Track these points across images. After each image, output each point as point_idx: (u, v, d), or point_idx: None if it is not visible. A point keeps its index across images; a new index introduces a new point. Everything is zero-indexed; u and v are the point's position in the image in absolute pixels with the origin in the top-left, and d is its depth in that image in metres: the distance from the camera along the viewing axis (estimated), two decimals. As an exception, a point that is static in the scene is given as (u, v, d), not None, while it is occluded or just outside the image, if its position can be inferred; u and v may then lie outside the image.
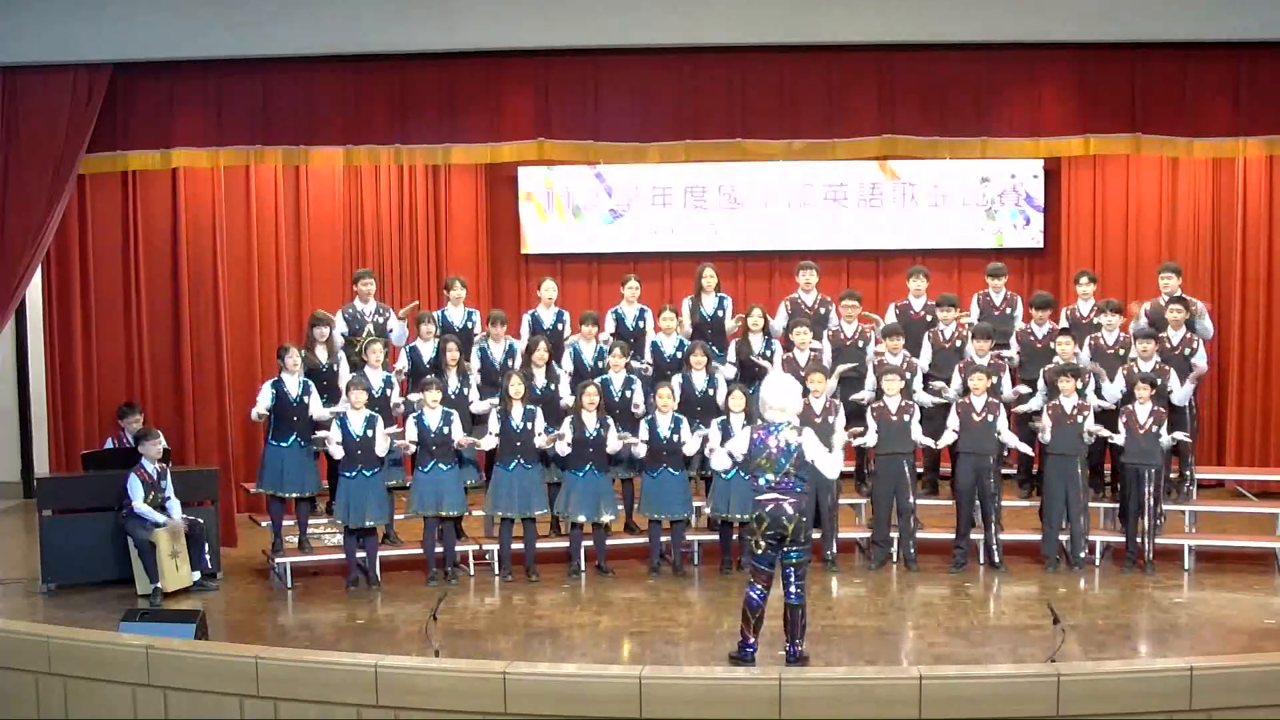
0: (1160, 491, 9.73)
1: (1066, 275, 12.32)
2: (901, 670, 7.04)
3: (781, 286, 12.88)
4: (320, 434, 9.88)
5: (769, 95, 10.44)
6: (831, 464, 7.90)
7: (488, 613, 9.13)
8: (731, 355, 10.53)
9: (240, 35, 10.11)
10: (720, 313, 10.83)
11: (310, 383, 10.00)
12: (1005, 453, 10.08)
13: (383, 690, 6.52)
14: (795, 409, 7.80)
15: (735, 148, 10.56)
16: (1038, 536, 9.92)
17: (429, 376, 9.98)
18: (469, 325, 10.87)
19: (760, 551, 7.59)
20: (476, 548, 10.06)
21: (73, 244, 11.02)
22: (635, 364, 10.37)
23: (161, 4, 10.13)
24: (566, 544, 9.96)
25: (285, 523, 10.09)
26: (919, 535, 10.00)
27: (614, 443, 9.74)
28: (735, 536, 9.73)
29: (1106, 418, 9.87)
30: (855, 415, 10.01)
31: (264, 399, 9.85)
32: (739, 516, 9.45)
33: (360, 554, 9.65)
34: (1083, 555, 9.73)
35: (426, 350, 10.47)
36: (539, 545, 9.94)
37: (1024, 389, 10.22)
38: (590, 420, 9.71)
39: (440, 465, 9.66)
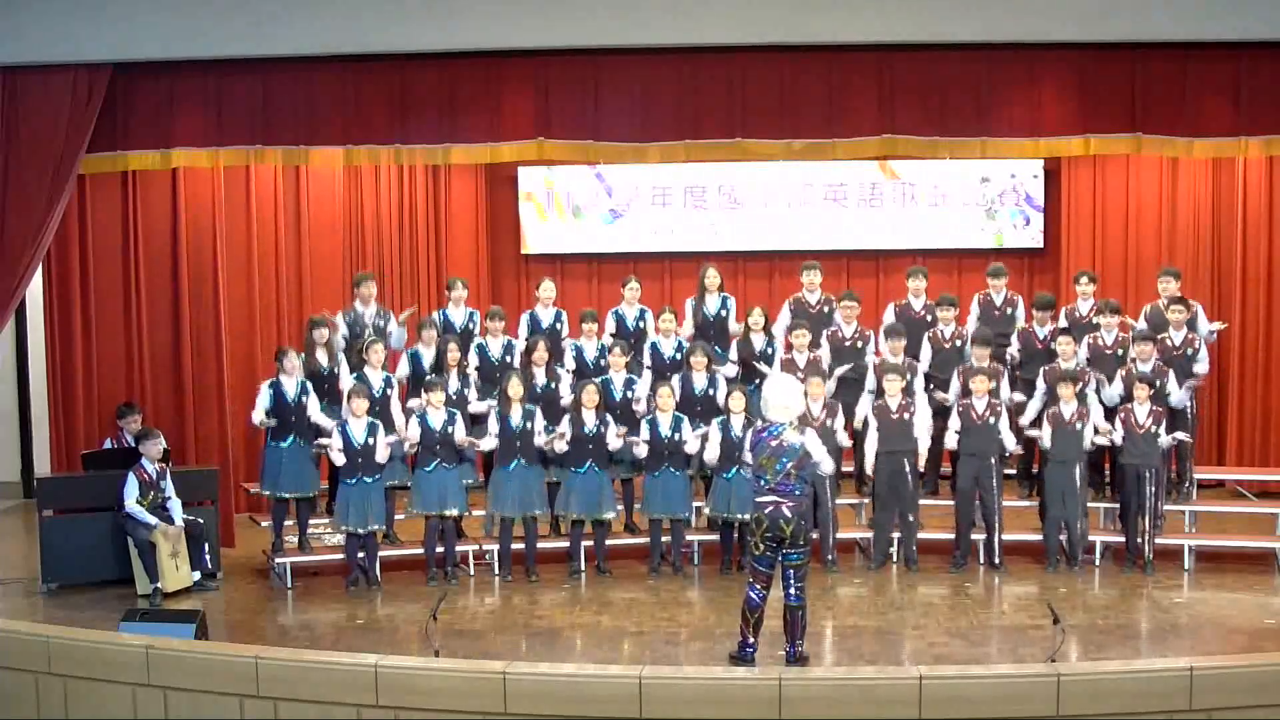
0: (1160, 491, 9.73)
1: (1066, 275, 12.32)
2: (901, 670, 7.04)
3: (781, 286, 12.89)
4: (322, 441, 9.87)
5: (769, 95, 10.44)
6: (828, 463, 7.94)
7: (488, 613, 9.13)
8: (733, 355, 10.54)
9: (240, 35, 10.12)
10: (724, 313, 10.85)
11: (308, 383, 10.00)
12: (1005, 454, 10.07)
13: (383, 690, 6.52)
14: (797, 409, 7.82)
15: (735, 148, 10.57)
16: (1038, 536, 9.92)
17: (432, 376, 9.97)
18: (470, 326, 10.88)
19: (759, 553, 7.60)
20: (476, 548, 10.06)
21: (73, 244, 11.02)
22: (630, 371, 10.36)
23: (161, 4, 10.13)
24: (566, 544, 9.96)
25: (285, 523, 10.09)
26: (919, 535, 10.00)
27: (614, 440, 9.73)
28: (736, 536, 9.73)
29: (1106, 418, 9.87)
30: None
31: (263, 400, 9.85)
32: (739, 516, 9.45)
33: (360, 554, 9.64)
34: (1082, 556, 9.72)
35: (428, 355, 10.46)
36: (539, 545, 9.94)
37: (1019, 396, 10.20)
38: (590, 418, 9.70)
39: (444, 465, 9.66)
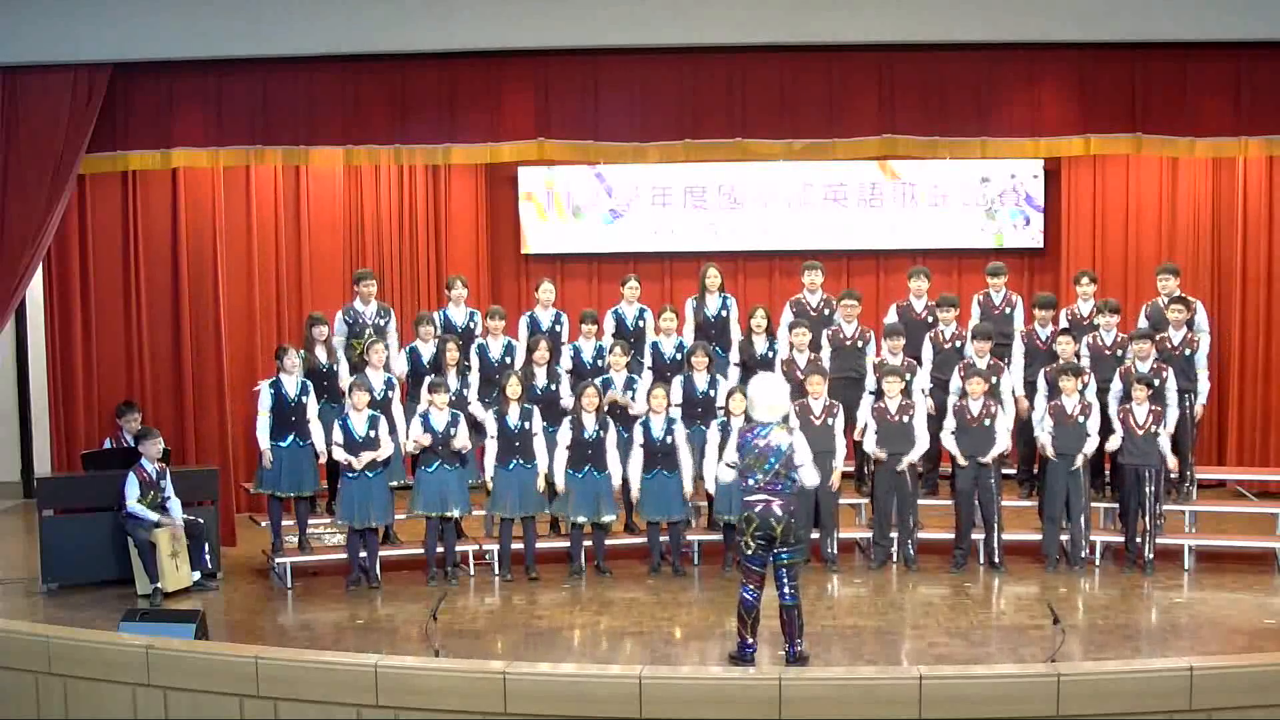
0: (1160, 491, 9.72)
1: (1066, 275, 12.32)
2: (901, 670, 7.04)
3: (781, 286, 12.90)
4: (321, 447, 9.85)
5: (769, 95, 10.44)
6: (811, 475, 7.83)
7: (488, 613, 9.13)
8: (735, 356, 10.53)
9: (240, 35, 10.11)
10: (724, 313, 10.84)
11: (308, 383, 10.01)
12: (1004, 454, 10.07)
13: (383, 690, 6.52)
14: (784, 409, 7.78)
15: (735, 148, 10.57)
16: (1038, 536, 9.92)
17: (436, 379, 9.94)
18: (470, 325, 10.88)
19: (750, 552, 7.58)
20: (476, 548, 10.05)
21: (73, 244, 11.02)
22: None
23: (161, 4, 10.13)
24: (567, 544, 9.96)
25: (285, 523, 10.09)
26: (919, 535, 10.00)
27: (628, 402, 9.80)
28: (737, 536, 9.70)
29: (1104, 418, 9.88)
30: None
31: (264, 401, 9.86)
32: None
33: (361, 553, 9.64)
34: (1083, 556, 9.72)
35: (426, 351, 10.47)
36: (540, 545, 9.94)
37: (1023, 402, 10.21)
38: (589, 421, 9.70)
39: (445, 466, 9.66)
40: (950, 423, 9.83)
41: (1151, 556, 9.57)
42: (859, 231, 13.36)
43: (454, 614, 8.91)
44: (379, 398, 9.93)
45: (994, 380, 10.00)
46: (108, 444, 10.68)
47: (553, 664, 7.68)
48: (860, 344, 10.49)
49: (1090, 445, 9.62)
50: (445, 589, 9.10)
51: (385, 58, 10.37)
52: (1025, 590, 9.31)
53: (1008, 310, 10.80)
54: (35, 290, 11.21)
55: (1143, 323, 10.59)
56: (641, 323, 10.86)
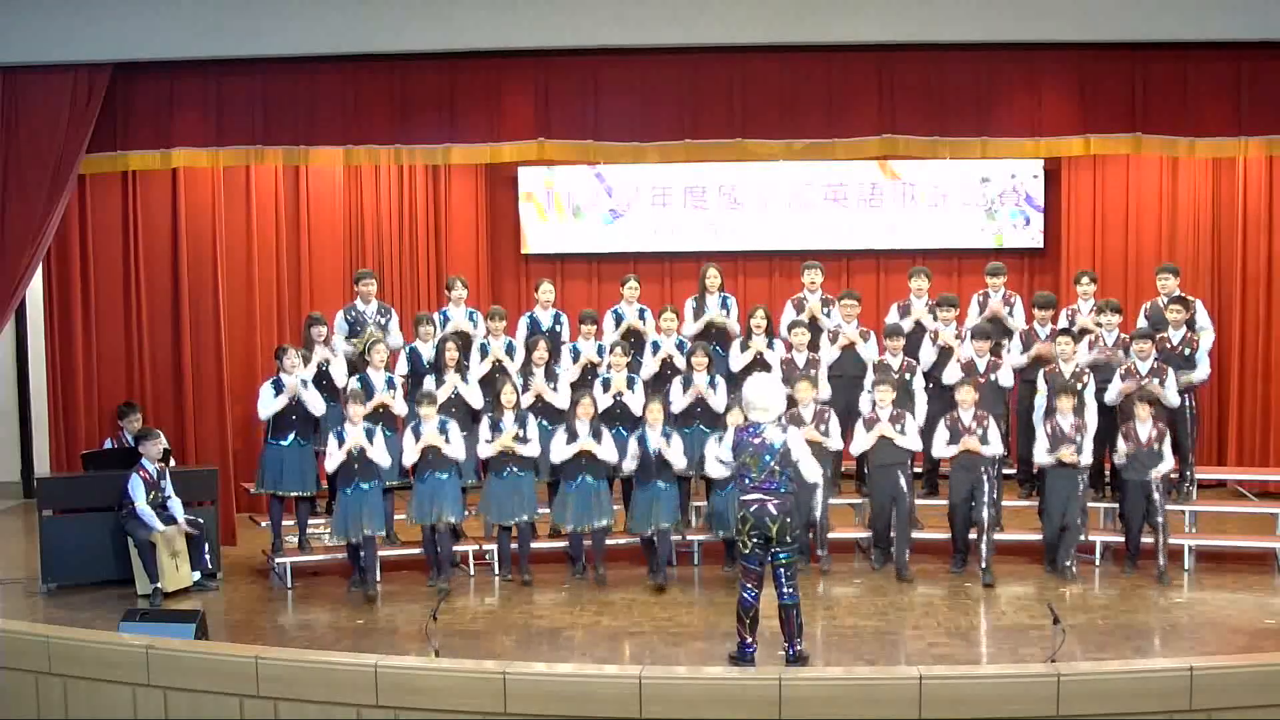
0: (1163, 498, 9.62)
1: (1066, 275, 12.33)
2: (901, 670, 7.03)
3: (781, 286, 12.91)
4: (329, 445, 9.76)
5: (769, 95, 10.44)
6: (812, 468, 7.86)
7: (488, 613, 9.13)
8: (734, 363, 10.50)
9: (240, 35, 10.11)
10: (724, 313, 10.85)
11: (308, 381, 10.00)
12: (1004, 453, 10.05)
13: (383, 690, 6.52)
14: (778, 409, 7.76)
15: (735, 148, 10.56)
16: (1038, 536, 9.91)
17: (423, 391, 9.90)
18: (471, 325, 10.88)
19: (747, 551, 7.57)
20: (476, 548, 10.05)
21: (73, 244, 11.02)
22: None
23: (161, 4, 10.13)
24: (566, 544, 9.93)
25: (285, 523, 10.10)
26: (920, 536, 9.98)
27: (610, 452, 9.64)
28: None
29: (1107, 419, 9.88)
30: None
31: (266, 402, 9.86)
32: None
33: (361, 551, 9.60)
34: (1069, 565, 9.47)
35: (426, 351, 10.48)
36: (541, 545, 9.92)
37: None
38: (583, 429, 9.64)
39: (438, 474, 9.57)
40: (943, 434, 9.70)
41: (1165, 566, 9.40)
42: (859, 231, 13.37)
43: (454, 614, 8.91)
44: (383, 389, 9.93)
45: (993, 377, 10.02)
46: (108, 444, 10.69)
47: (552, 664, 7.68)
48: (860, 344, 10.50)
49: (1085, 459, 9.56)
50: (445, 590, 9.07)
51: (385, 58, 10.37)
52: (1025, 590, 9.31)
53: (1007, 310, 10.81)
54: (35, 290, 11.21)
55: (1142, 322, 10.60)
56: (641, 323, 10.87)
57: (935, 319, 10.56)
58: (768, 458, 7.53)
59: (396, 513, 10.18)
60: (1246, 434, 12.22)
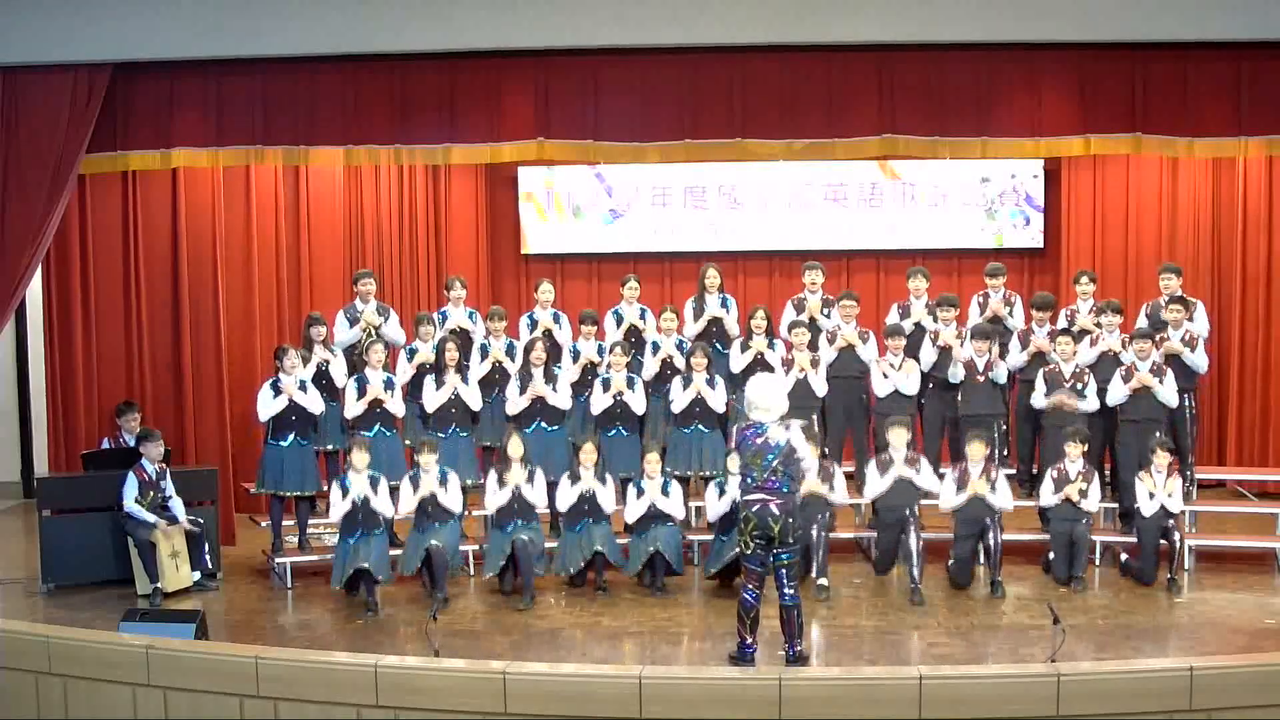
0: (1175, 524, 9.53)
1: (1066, 275, 12.32)
2: (901, 670, 7.02)
3: (781, 286, 12.91)
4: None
5: (769, 95, 10.44)
6: (814, 465, 7.86)
7: (488, 613, 9.13)
8: (734, 364, 10.50)
9: (240, 35, 10.12)
10: (724, 312, 10.85)
11: (308, 381, 10.00)
12: (1004, 452, 10.06)
13: (383, 690, 6.52)
14: (781, 408, 7.75)
15: (735, 148, 10.56)
16: (1038, 536, 9.91)
17: (425, 436, 9.78)
18: (471, 324, 10.89)
19: (749, 551, 7.56)
20: (477, 548, 10.04)
21: (73, 244, 11.02)
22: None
23: (161, 4, 10.13)
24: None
25: (285, 523, 10.10)
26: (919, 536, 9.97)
27: (609, 503, 9.51)
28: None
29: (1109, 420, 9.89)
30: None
31: (266, 402, 9.86)
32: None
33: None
34: (1080, 576, 9.37)
35: (424, 351, 10.47)
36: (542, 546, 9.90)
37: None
38: (588, 476, 9.48)
39: (434, 524, 9.35)
40: (950, 488, 9.55)
41: (1174, 573, 9.34)
42: (859, 231, 13.36)
43: (454, 614, 8.91)
44: (385, 384, 9.95)
45: (990, 375, 10.03)
46: (106, 444, 10.68)
47: (553, 664, 7.66)
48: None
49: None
50: (444, 600, 9.05)
51: (385, 58, 10.37)
52: (1025, 590, 9.31)
53: (1007, 310, 10.82)
54: (35, 290, 11.22)
55: (1142, 322, 10.60)
56: (642, 322, 10.88)
57: (935, 319, 10.57)
58: (770, 456, 7.52)
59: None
60: (1246, 434, 12.22)
